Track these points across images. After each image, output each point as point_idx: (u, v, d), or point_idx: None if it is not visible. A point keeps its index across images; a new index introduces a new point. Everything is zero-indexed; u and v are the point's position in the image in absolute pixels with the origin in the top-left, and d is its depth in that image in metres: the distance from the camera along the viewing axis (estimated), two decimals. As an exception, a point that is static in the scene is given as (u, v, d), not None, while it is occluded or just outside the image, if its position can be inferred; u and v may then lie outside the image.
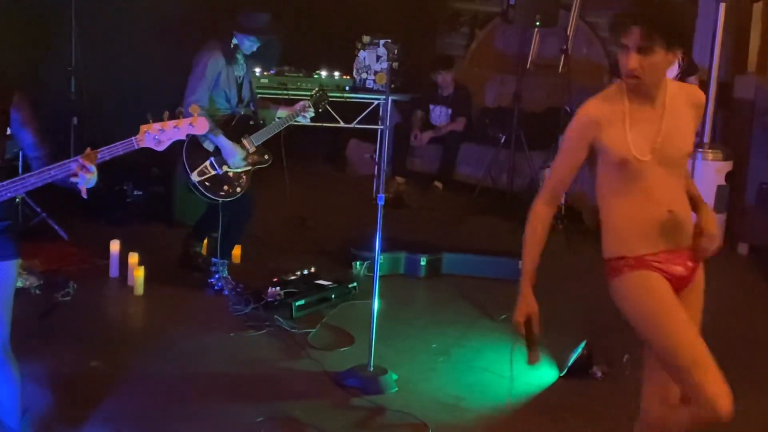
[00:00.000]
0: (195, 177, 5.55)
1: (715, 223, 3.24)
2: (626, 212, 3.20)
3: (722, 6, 7.18)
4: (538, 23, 7.96)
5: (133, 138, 3.18)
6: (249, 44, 5.70)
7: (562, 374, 4.90)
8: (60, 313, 5.20)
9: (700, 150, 7.28)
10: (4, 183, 3.17)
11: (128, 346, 4.80)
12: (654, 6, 3.08)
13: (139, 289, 5.67)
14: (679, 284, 3.19)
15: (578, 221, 7.90)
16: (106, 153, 3.18)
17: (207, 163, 5.58)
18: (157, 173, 7.18)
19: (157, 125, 3.17)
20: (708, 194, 7.23)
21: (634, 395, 4.75)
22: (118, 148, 3.18)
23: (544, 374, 4.90)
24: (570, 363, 4.91)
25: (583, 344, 4.95)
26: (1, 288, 3.34)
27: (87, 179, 3.15)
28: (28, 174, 3.18)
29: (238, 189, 5.67)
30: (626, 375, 4.93)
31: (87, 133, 7.13)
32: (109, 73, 7.57)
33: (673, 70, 7.09)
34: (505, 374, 4.88)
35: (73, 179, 3.14)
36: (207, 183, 5.56)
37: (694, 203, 3.27)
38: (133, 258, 5.83)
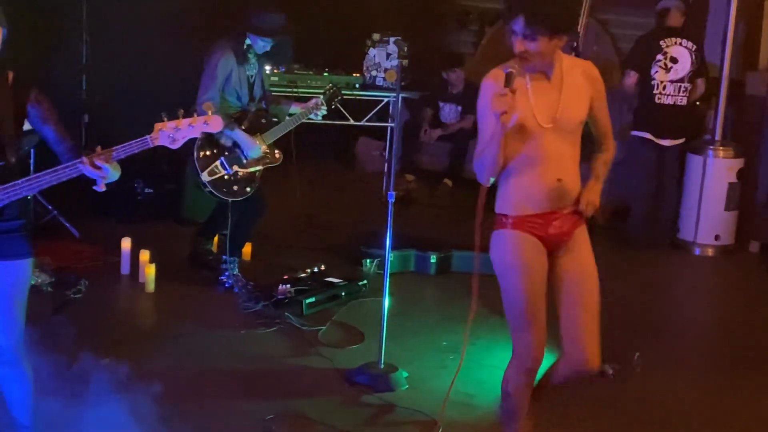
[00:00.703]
0: (205, 176, 5.56)
1: (596, 193, 3.62)
2: (519, 174, 3.50)
3: (733, 2, 7.16)
4: (548, 20, 7.93)
5: (147, 136, 3.18)
6: (262, 44, 5.71)
7: (572, 372, 4.88)
8: (71, 311, 5.22)
9: (711, 147, 7.26)
10: (20, 182, 3.18)
11: (139, 343, 4.81)
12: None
13: (150, 286, 5.69)
14: (554, 242, 3.54)
15: (588, 219, 7.86)
16: (120, 151, 3.18)
17: (217, 162, 5.59)
18: (167, 171, 7.19)
19: (171, 123, 3.18)
20: (719, 192, 7.22)
21: (646, 393, 4.76)
22: (132, 147, 3.19)
23: (555, 372, 4.89)
24: (581, 361, 4.89)
25: (593, 342, 4.93)
26: (15, 287, 3.35)
27: (101, 177, 3.15)
28: (42, 173, 3.18)
29: (248, 189, 5.69)
30: (637, 373, 4.92)
31: (98, 131, 7.15)
32: (120, 70, 7.58)
33: (685, 68, 7.09)
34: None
35: (95, 175, 3.14)
36: (217, 182, 5.57)
37: (592, 174, 3.66)
38: (144, 255, 5.84)
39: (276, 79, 7.59)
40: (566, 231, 3.57)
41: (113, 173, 3.19)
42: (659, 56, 7.09)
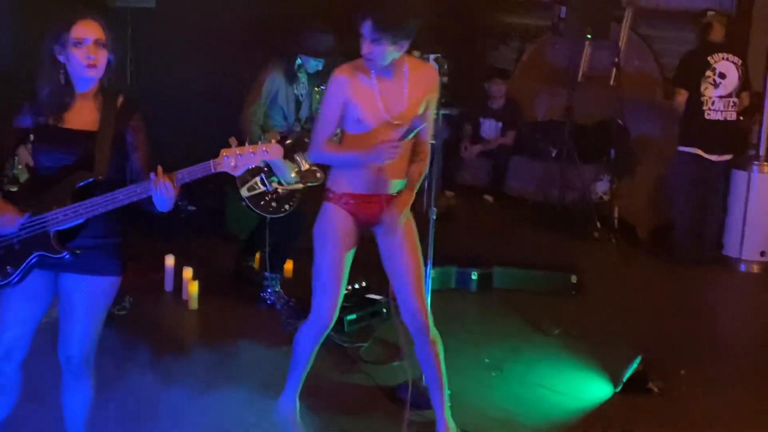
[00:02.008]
0: (244, 192, 5.60)
1: (403, 203, 3.97)
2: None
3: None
4: (589, 36, 7.91)
5: (211, 161, 3.23)
6: (314, 64, 5.74)
7: (617, 390, 4.84)
8: (117, 327, 5.27)
9: (756, 163, 7.18)
10: (97, 199, 3.23)
11: (183, 360, 4.84)
12: (382, 6, 3.77)
13: (194, 303, 5.73)
14: (369, 221, 3.97)
15: (632, 235, 7.82)
16: (185, 175, 3.24)
17: (257, 178, 5.62)
18: (210, 188, 7.25)
19: (235, 149, 3.23)
20: (765, 207, 7.13)
21: (692, 411, 4.70)
22: (196, 171, 3.25)
23: (600, 390, 4.85)
24: (625, 378, 4.85)
25: (638, 359, 4.89)
26: (91, 301, 3.40)
27: (164, 198, 3.22)
28: (117, 191, 3.24)
29: (287, 206, 5.70)
30: (683, 391, 4.87)
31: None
32: (166, 93, 7.65)
33: (733, 83, 7.03)
34: (558, 389, 4.86)
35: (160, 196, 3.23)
36: (255, 198, 5.61)
37: (408, 183, 4.01)
38: (188, 272, 5.89)
39: (318, 97, 7.61)
40: (379, 213, 3.93)
41: (174, 198, 3.27)
42: (708, 72, 7.04)
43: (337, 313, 4.02)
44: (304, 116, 5.85)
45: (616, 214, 7.92)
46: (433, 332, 4.09)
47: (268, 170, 5.65)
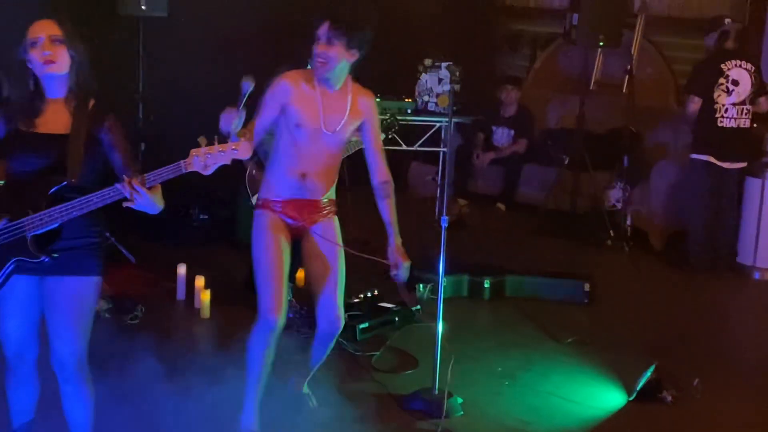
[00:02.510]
0: (255, 200, 5.59)
1: (402, 252, 4.35)
2: (279, 164, 4.09)
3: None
4: (601, 43, 7.90)
5: (181, 162, 3.23)
6: None
7: (631, 398, 4.82)
8: (129, 336, 5.27)
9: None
10: (72, 202, 3.25)
11: (195, 369, 4.83)
12: (341, 9, 3.92)
13: (206, 311, 5.73)
14: (294, 226, 4.12)
15: (645, 243, 7.79)
16: (155, 176, 3.25)
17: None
18: (222, 197, 7.26)
19: (204, 149, 3.23)
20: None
21: (706, 420, 4.67)
22: (166, 172, 3.25)
23: (613, 399, 4.83)
24: (639, 387, 4.82)
25: (652, 368, 4.87)
26: (75, 301, 3.41)
27: (137, 200, 3.23)
28: (91, 194, 3.26)
29: None
30: (697, 399, 4.84)
31: (155, 159, 7.23)
32: (177, 99, 7.68)
33: (746, 90, 6.99)
34: (571, 398, 4.83)
35: (127, 204, 3.25)
36: None
37: (389, 228, 4.40)
38: (200, 281, 5.89)
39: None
40: (306, 218, 4.12)
41: (151, 200, 3.26)
42: (721, 79, 7.01)
43: (284, 315, 4.04)
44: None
45: (629, 222, 7.89)
46: (335, 336, 4.25)
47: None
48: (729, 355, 5.61)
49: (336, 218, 4.26)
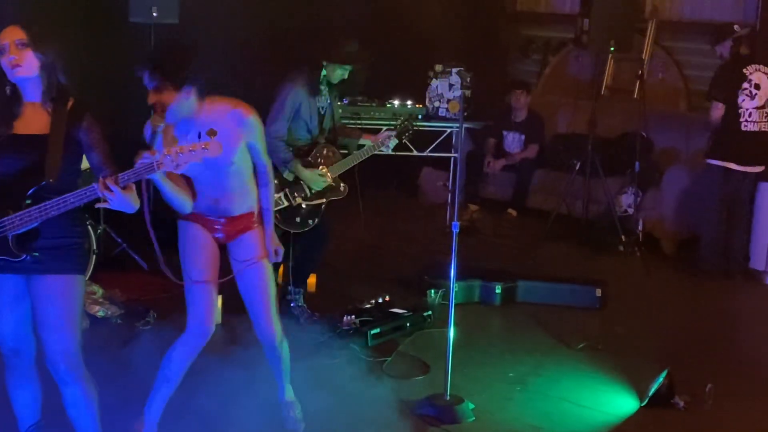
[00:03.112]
0: None
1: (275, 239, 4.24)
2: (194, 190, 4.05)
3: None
4: (612, 48, 7.89)
5: (153, 161, 3.28)
6: (340, 73, 5.74)
7: (642, 404, 4.80)
8: (141, 342, 5.29)
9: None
10: (49, 202, 3.31)
11: (207, 375, 4.84)
12: (158, 53, 4.00)
13: (217, 317, 5.72)
14: (218, 239, 4.15)
15: (656, 248, 7.78)
16: (130, 175, 3.30)
17: (281, 194, 5.64)
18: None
19: (174, 149, 3.29)
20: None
21: (718, 425, 4.65)
22: (140, 172, 3.30)
23: (625, 404, 4.82)
24: (651, 393, 4.81)
25: (664, 373, 4.85)
26: (57, 300, 3.44)
27: (111, 199, 3.29)
28: (67, 194, 3.31)
29: (310, 221, 5.72)
30: (709, 405, 4.82)
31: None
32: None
33: (766, 94, 6.98)
34: (583, 404, 4.82)
35: (102, 205, 3.32)
36: (280, 214, 5.62)
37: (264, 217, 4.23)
38: (211, 287, 5.88)
39: (340, 111, 7.64)
40: (228, 234, 4.14)
41: (125, 199, 3.31)
42: (745, 84, 6.99)
43: (213, 327, 4.04)
44: (327, 128, 5.86)
45: (640, 227, 7.87)
46: (280, 341, 4.28)
47: (292, 186, 5.66)
48: (741, 361, 5.59)
49: (258, 229, 4.21)
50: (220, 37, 7.78)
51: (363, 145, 5.97)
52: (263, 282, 4.17)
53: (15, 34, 3.41)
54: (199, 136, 3.80)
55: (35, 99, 3.47)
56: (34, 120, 3.45)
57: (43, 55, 3.43)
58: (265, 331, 4.22)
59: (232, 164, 4.00)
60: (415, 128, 6.22)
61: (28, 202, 3.33)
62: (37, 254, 3.38)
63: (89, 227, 5.93)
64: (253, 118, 4.03)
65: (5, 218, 3.32)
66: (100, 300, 5.78)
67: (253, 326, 4.24)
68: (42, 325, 3.47)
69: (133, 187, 3.34)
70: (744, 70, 7.01)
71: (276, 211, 5.61)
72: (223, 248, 4.21)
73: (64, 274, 3.46)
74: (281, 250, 4.23)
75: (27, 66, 3.41)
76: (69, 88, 3.51)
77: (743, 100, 6.99)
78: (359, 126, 6.85)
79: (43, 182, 3.34)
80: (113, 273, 6.24)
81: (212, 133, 3.41)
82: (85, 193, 3.31)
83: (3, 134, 3.42)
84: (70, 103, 3.48)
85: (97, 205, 3.35)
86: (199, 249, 4.08)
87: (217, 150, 3.34)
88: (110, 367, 4.83)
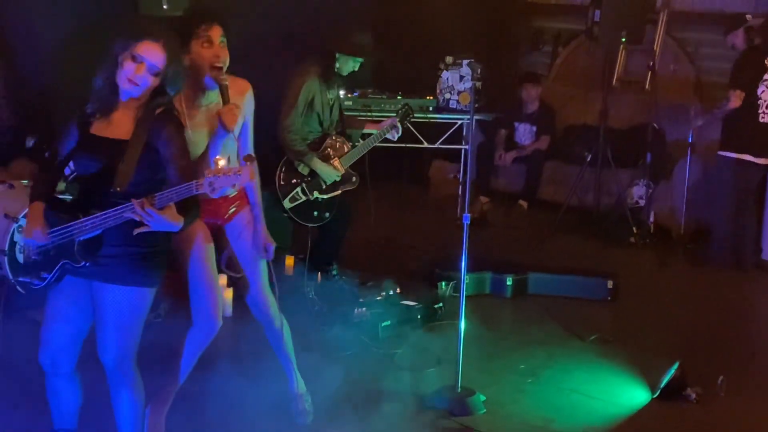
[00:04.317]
0: (287, 203, 5.64)
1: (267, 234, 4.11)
2: None
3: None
4: (623, 39, 7.86)
5: (193, 183, 3.19)
6: (352, 65, 5.74)
7: (654, 396, 4.79)
8: (153, 333, 5.29)
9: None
10: (93, 216, 3.25)
11: (218, 367, 4.85)
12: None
13: (228, 309, 5.75)
14: (212, 222, 4.02)
15: (668, 240, 7.75)
16: (168, 196, 3.21)
17: (298, 189, 5.65)
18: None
19: (215, 171, 3.20)
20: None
21: (730, 417, 4.64)
22: (180, 192, 3.21)
23: (637, 396, 4.81)
24: (663, 385, 4.80)
25: (676, 365, 4.84)
26: (114, 310, 3.41)
27: (149, 222, 3.21)
28: (106, 211, 3.24)
29: (327, 214, 5.75)
30: (721, 397, 4.81)
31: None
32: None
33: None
34: (594, 396, 4.82)
35: (140, 230, 3.24)
36: (298, 209, 5.64)
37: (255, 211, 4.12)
38: (222, 279, 5.89)
39: (350, 103, 7.64)
40: (217, 214, 4.04)
41: (165, 220, 3.22)
42: (766, 75, 6.92)
43: (220, 321, 3.99)
44: (335, 119, 5.87)
45: (651, 219, 7.85)
46: (278, 319, 4.23)
47: (308, 180, 5.68)
48: (754, 353, 5.57)
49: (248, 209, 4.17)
50: (230, 30, 7.77)
51: (367, 135, 5.97)
52: (255, 254, 4.11)
53: (160, 58, 3.30)
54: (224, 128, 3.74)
55: (129, 98, 3.35)
56: (120, 122, 3.35)
57: (164, 74, 3.34)
58: (257, 300, 4.18)
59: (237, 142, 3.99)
60: (414, 113, 6.20)
61: (94, 210, 3.26)
62: (97, 261, 3.32)
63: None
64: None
65: (74, 222, 3.27)
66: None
67: (247, 300, 4.22)
68: (99, 327, 3.45)
69: (173, 205, 3.23)
70: (766, 61, 6.94)
71: (294, 206, 5.64)
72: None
73: (127, 285, 3.39)
74: (272, 247, 4.11)
75: (144, 88, 3.32)
76: (167, 98, 3.39)
77: (762, 91, 6.93)
78: (368, 118, 6.83)
79: (111, 190, 3.26)
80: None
81: (250, 159, 3.36)
82: (122, 216, 3.21)
83: (88, 134, 3.34)
84: (159, 111, 3.37)
85: (135, 231, 3.27)
86: (200, 243, 3.97)
87: (247, 177, 3.25)
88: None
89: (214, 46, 3.83)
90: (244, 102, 3.93)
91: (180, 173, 3.32)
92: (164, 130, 3.34)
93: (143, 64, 3.29)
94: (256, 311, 4.23)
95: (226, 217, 4.08)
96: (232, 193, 4.01)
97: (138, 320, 3.49)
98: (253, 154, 3.55)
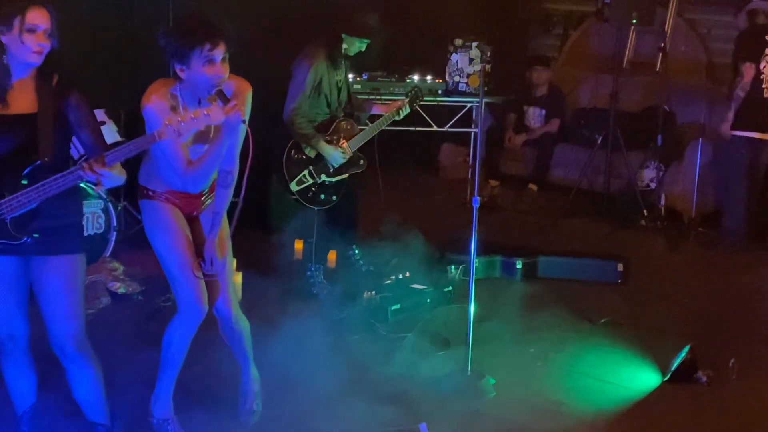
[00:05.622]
0: (294, 186, 5.62)
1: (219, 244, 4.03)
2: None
3: None
4: (634, 21, 7.80)
5: (155, 132, 3.25)
6: (359, 46, 5.71)
7: (665, 379, 4.78)
8: (162, 318, 5.30)
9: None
10: (37, 185, 3.26)
11: (227, 352, 4.86)
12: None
13: (237, 294, 5.74)
14: (188, 216, 3.99)
15: (679, 223, 7.72)
16: (123, 151, 3.25)
17: (305, 172, 5.64)
18: (252, 180, 7.25)
19: (175, 117, 3.24)
20: None
21: (742, 400, 4.62)
22: (140, 143, 3.27)
23: (648, 379, 4.79)
24: (674, 368, 4.78)
25: (687, 348, 4.82)
26: (60, 281, 3.44)
27: (103, 182, 3.27)
28: (51, 179, 3.26)
29: (334, 198, 5.74)
30: (732, 380, 4.79)
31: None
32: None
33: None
34: (605, 379, 4.80)
35: (96, 188, 3.27)
36: (304, 192, 5.62)
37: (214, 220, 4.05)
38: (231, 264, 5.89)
39: (359, 86, 7.61)
40: (195, 206, 4.00)
41: (114, 177, 3.30)
42: (767, 50, 6.87)
43: (206, 307, 3.91)
44: (344, 101, 5.84)
45: (662, 202, 7.81)
46: (236, 318, 4.12)
47: (315, 163, 5.66)
48: (765, 335, 5.54)
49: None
50: (239, 11, 7.74)
51: (375, 117, 5.94)
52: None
53: (47, 20, 3.30)
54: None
55: (24, 76, 3.36)
56: (21, 98, 3.35)
57: (57, 41, 3.36)
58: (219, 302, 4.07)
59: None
60: (430, 103, 6.17)
61: (25, 182, 3.27)
62: (37, 235, 3.35)
63: (108, 203, 5.95)
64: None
65: (1, 201, 3.28)
66: (121, 277, 5.80)
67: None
68: (46, 306, 3.47)
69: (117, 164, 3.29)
70: (766, 37, 6.89)
71: (301, 188, 5.63)
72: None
73: (66, 254, 3.44)
74: (218, 264, 3.98)
75: (47, 52, 3.33)
76: (54, 64, 3.38)
77: (764, 66, 6.88)
78: (378, 100, 6.80)
79: (38, 161, 3.28)
80: (134, 250, 6.24)
81: (213, 99, 3.34)
82: (69, 178, 3.25)
83: None
84: (55, 79, 3.39)
85: (95, 190, 3.30)
86: (178, 231, 3.91)
87: (219, 115, 3.28)
88: (131, 343, 4.86)
89: (215, 65, 3.63)
90: (244, 102, 3.85)
91: (94, 138, 3.40)
92: (70, 97, 3.37)
93: (40, 31, 3.29)
94: (217, 312, 4.10)
95: (202, 208, 4.06)
96: (206, 187, 3.96)
97: (82, 288, 3.54)
98: (227, 96, 3.52)
